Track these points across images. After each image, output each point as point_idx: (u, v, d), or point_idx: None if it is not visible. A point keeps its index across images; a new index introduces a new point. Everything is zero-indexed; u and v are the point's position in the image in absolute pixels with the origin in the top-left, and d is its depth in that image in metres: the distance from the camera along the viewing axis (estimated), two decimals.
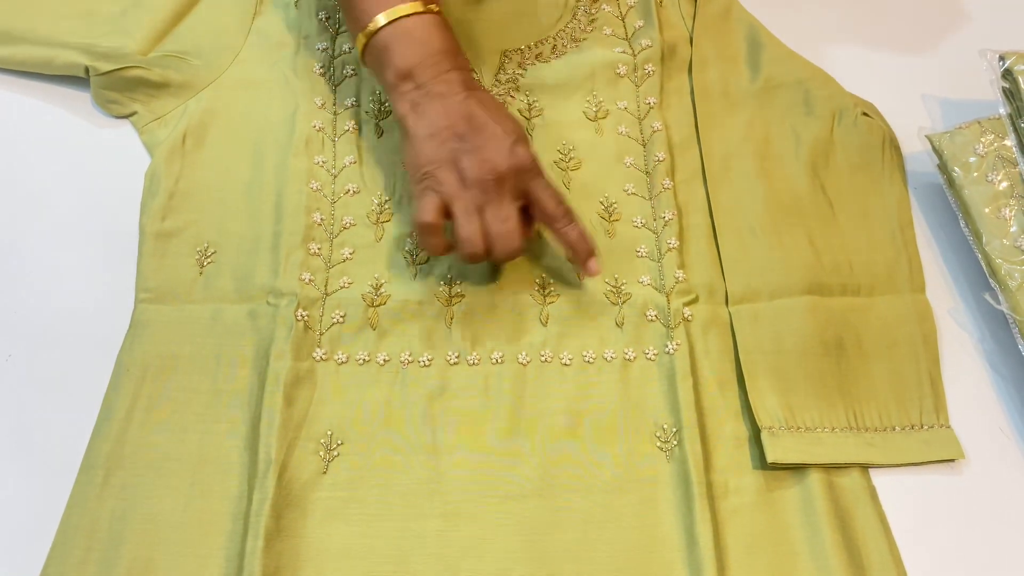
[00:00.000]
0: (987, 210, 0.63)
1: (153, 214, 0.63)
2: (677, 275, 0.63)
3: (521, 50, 0.71)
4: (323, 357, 0.58)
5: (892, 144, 0.69)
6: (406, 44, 0.59)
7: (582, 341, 0.61)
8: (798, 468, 0.57)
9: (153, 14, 0.69)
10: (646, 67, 0.71)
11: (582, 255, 0.59)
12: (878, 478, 0.58)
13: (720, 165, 0.68)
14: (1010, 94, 0.65)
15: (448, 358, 0.59)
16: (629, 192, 0.66)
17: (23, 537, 0.52)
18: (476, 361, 0.59)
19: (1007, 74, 0.66)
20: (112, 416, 0.56)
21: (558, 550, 0.54)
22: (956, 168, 0.65)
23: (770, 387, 0.59)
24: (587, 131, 0.68)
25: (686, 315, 0.61)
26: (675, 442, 0.57)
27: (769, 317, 0.62)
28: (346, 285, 0.61)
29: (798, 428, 0.58)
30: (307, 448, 0.56)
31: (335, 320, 0.59)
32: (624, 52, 0.72)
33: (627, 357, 0.60)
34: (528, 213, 0.59)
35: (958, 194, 0.65)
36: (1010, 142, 0.65)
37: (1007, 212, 0.63)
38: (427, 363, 0.59)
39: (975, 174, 0.64)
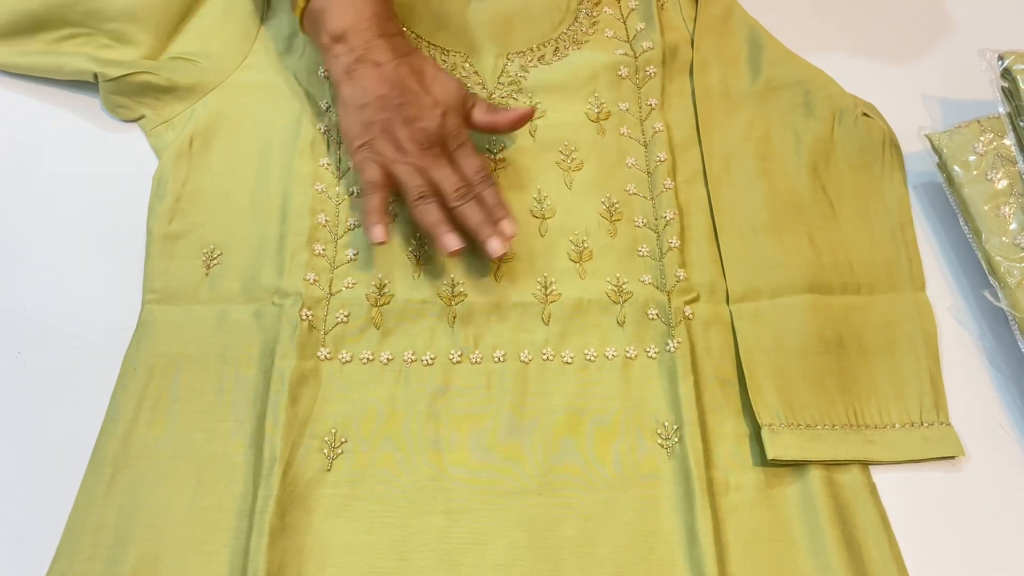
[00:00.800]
0: (986, 208, 0.64)
1: (160, 216, 0.63)
2: (678, 274, 0.63)
3: (523, 52, 0.72)
4: (327, 356, 0.59)
5: (892, 144, 0.69)
6: (340, 7, 0.62)
7: (584, 340, 0.61)
8: (798, 465, 0.57)
9: (160, 17, 0.69)
10: (648, 69, 0.72)
11: (479, 231, 0.60)
12: (878, 475, 0.58)
13: (721, 165, 0.68)
14: (1009, 93, 0.66)
15: (451, 357, 0.60)
16: (631, 192, 0.67)
17: (31, 534, 0.53)
18: (478, 360, 0.60)
19: (1006, 73, 0.66)
20: (119, 415, 0.57)
21: (560, 546, 0.54)
22: (956, 167, 0.65)
23: (770, 384, 0.59)
24: (589, 132, 0.69)
25: (687, 314, 0.62)
26: (676, 439, 0.58)
27: (770, 315, 0.62)
28: (350, 286, 0.61)
29: (798, 425, 0.58)
30: (311, 446, 0.56)
31: (339, 320, 0.60)
32: (626, 54, 0.73)
33: (628, 355, 0.61)
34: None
35: (957, 193, 0.65)
36: (1009, 141, 0.65)
37: (1006, 210, 0.63)
38: (430, 362, 0.60)
39: (974, 173, 0.65)
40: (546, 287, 0.63)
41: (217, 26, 0.71)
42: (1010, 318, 0.61)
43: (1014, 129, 0.65)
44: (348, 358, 0.59)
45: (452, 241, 0.59)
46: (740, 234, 0.65)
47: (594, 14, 0.75)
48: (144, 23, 0.68)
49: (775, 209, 0.66)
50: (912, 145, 0.69)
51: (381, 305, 0.61)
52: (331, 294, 0.61)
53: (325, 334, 0.60)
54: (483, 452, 0.57)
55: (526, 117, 0.64)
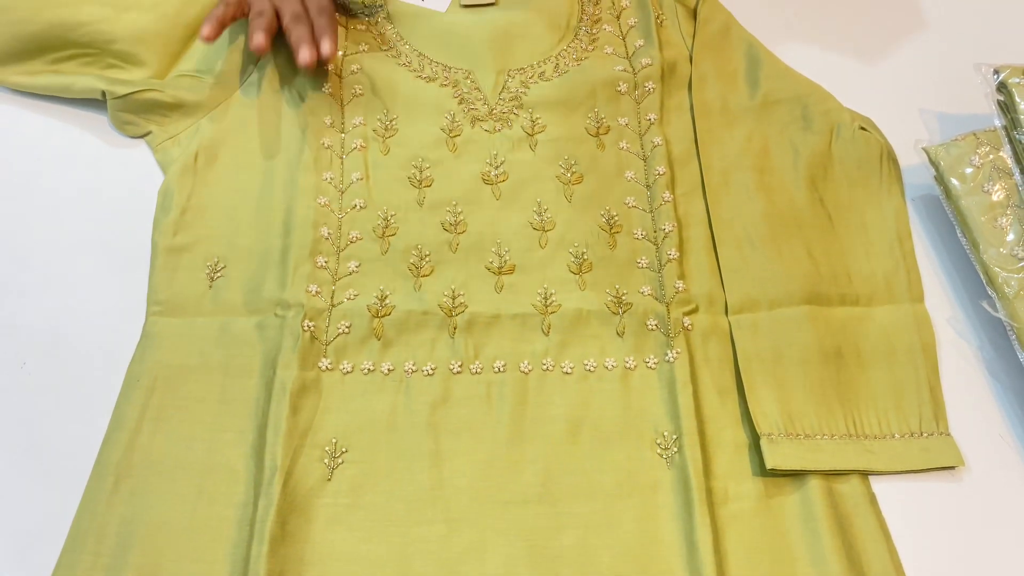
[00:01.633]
0: (983, 219, 0.64)
1: (165, 230, 0.64)
2: (677, 285, 0.64)
3: (523, 69, 0.73)
4: (329, 367, 0.60)
5: (890, 157, 0.70)
6: None
7: (583, 350, 0.62)
8: (797, 475, 0.57)
9: (167, 39, 0.71)
10: (646, 85, 0.73)
11: (298, 43, 0.67)
12: (878, 485, 0.58)
13: (719, 179, 0.69)
14: (1005, 106, 0.66)
15: (451, 367, 0.60)
16: (630, 205, 0.67)
17: (34, 541, 0.54)
18: (479, 370, 0.60)
19: (1001, 87, 0.67)
20: (122, 425, 0.57)
21: (559, 555, 0.54)
22: (953, 179, 0.66)
23: (769, 394, 0.59)
24: (589, 146, 0.70)
25: (686, 324, 0.62)
26: (675, 449, 0.58)
27: (768, 326, 0.62)
28: (352, 297, 0.62)
29: (797, 435, 0.58)
30: (312, 455, 0.57)
31: (341, 331, 0.61)
32: (625, 70, 0.74)
33: (628, 366, 0.61)
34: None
35: (955, 205, 0.66)
36: (1005, 153, 0.65)
37: (1003, 221, 0.64)
38: (430, 372, 0.60)
39: (971, 185, 0.65)
40: (546, 298, 0.63)
41: (222, 46, 0.72)
42: (1008, 328, 0.61)
43: (1010, 141, 0.65)
44: (349, 368, 0.60)
45: (256, 40, 0.66)
46: (738, 246, 0.66)
47: (593, 32, 0.76)
48: (151, 45, 0.70)
49: (773, 222, 0.67)
50: (909, 159, 0.70)
51: (382, 316, 0.62)
52: (333, 305, 0.62)
53: (327, 345, 0.60)
54: (483, 462, 0.57)
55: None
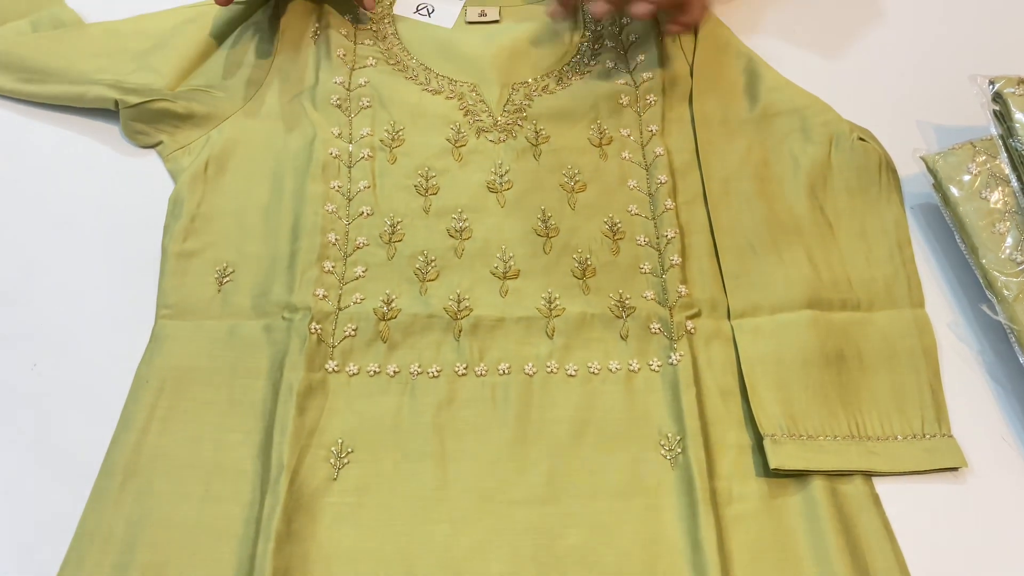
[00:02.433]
0: (982, 225, 0.65)
1: (175, 235, 0.65)
2: (680, 290, 0.65)
3: (527, 83, 0.75)
4: (335, 369, 0.60)
5: (889, 167, 0.71)
6: None
7: (587, 353, 0.62)
8: (801, 475, 0.58)
9: (179, 53, 0.73)
10: (648, 98, 0.74)
11: None
12: (881, 486, 0.58)
13: (720, 187, 0.70)
14: (1000, 116, 0.68)
15: (456, 369, 0.61)
16: (633, 213, 0.68)
17: (42, 540, 0.54)
18: (483, 372, 0.61)
19: (997, 97, 0.68)
20: (130, 426, 0.58)
21: (564, 555, 0.55)
22: (951, 186, 0.67)
23: (772, 396, 0.60)
24: (592, 156, 0.71)
25: (689, 328, 0.63)
26: (679, 450, 0.58)
27: (770, 330, 0.63)
28: (358, 301, 0.63)
29: (800, 436, 0.58)
30: (318, 455, 0.57)
31: (347, 333, 0.61)
32: (627, 83, 0.75)
33: (631, 369, 0.62)
34: None
35: (953, 211, 0.67)
36: (1002, 161, 0.66)
37: (1001, 227, 0.65)
38: (436, 374, 0.61)
39: (969, 192, 0.66)
40: (550, 302, 0.64)
41: (233, 62, 0.74)
42: (1008, 331, 0.61)
43: (1006, 149, 0.66)
44: (355, 371, 0.60)
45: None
46: (740, 252, 0.67)
47: (596, 47, 0.77)
48: (162, 62, 0.71)
49: (774, 229, 0.67)
50: (908, 169, 0.71)
51: (388, 319, 0.62)
52: (340, 309, 0.62)
53: (333, 347, 0.61)
54: (488, 463, 0.58)
55: None
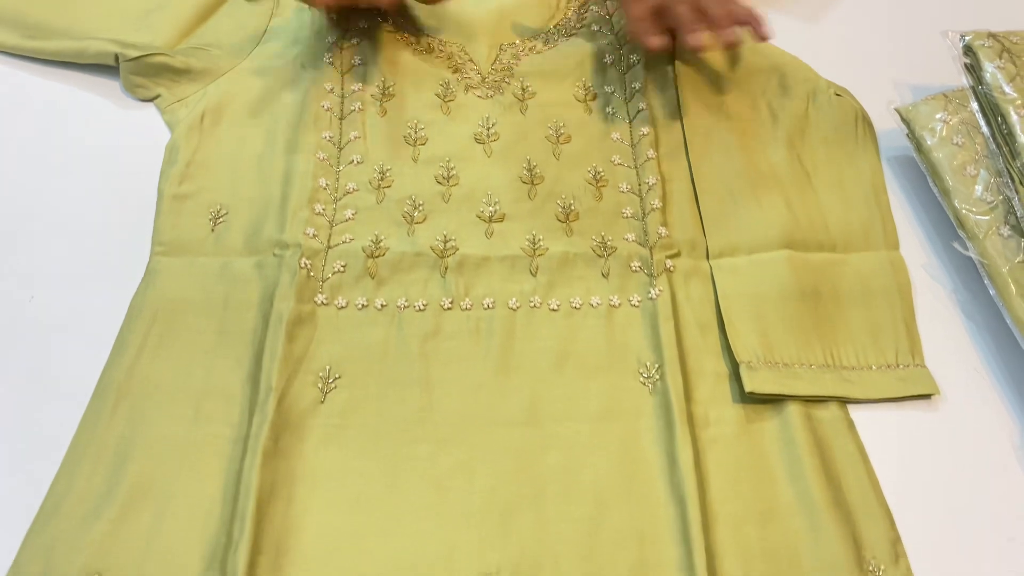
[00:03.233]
0: (954, 168, 0.67)
1: (171, 179, 0.67)
2: (660, 231, 0.66)
3: (515, 44, 0.77)
4: (324, 302, 0.62)
5: (864, 119, 0.73)
6: None
7: (569, 290, 0.64)
8: (777, 401, 0.59)
9: (178, 14, 0.75)
10: (631, 57, 0.76)
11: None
12: (856, 413, 0.60)
13: (702, 139, 0.72)
14: (971, 68, 0.70)
15: (442, 304, 0.63)
16: (616, 163, 0.70)
17: (37, 455, 0.55)
18: (468, 307, 0.63)
19: (968, 50, 0.70)
20: (124, 351, 0.59)
21: (544, 472, 0.56)
22: (924, 134, 0.69)
23: (748, 327, 0.61)
24: (577, 110, 0.73)
25: (668, 266, 0.65)
26: (657, 377, 0.60)
27: (748, 268, 0.65)
28: (347, 241, 0.65)
29: (776, 363, 0.60)
30: (306, 380, 0.59)
31: (336, 270, 0.63)
32: (611, 44, 0.78)
33: (612, 304, 0.63)
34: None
35: (927, 157, 0.69)
36: (973, 109, 0.69)
37: (972, 170, 0.67)
38: (422, 308, 0.62)
39: (942, 138, 0.68)
40: (534, 243, 0.66)
41: (230, 24, 0.76)
42: (979, 266, 0.63)
43: (977, 98, 0.68)
44: (344, 304, 0.62)
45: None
46: (719, 198, 0.69)
47: (582, 12, 0.80)
48: (162, 21, 0.74)
49: (753, 177, 0.69)
50: (884, 123, 0.73)
51: (377, 257, 0.64)
52: (329, 247, 0.64)
53: (323, 282, 0.63)
54: (471, 388, 0.59)
55: None
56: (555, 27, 0.79)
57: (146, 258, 0.64)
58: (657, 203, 0.68)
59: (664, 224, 0.67)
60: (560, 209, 0.68)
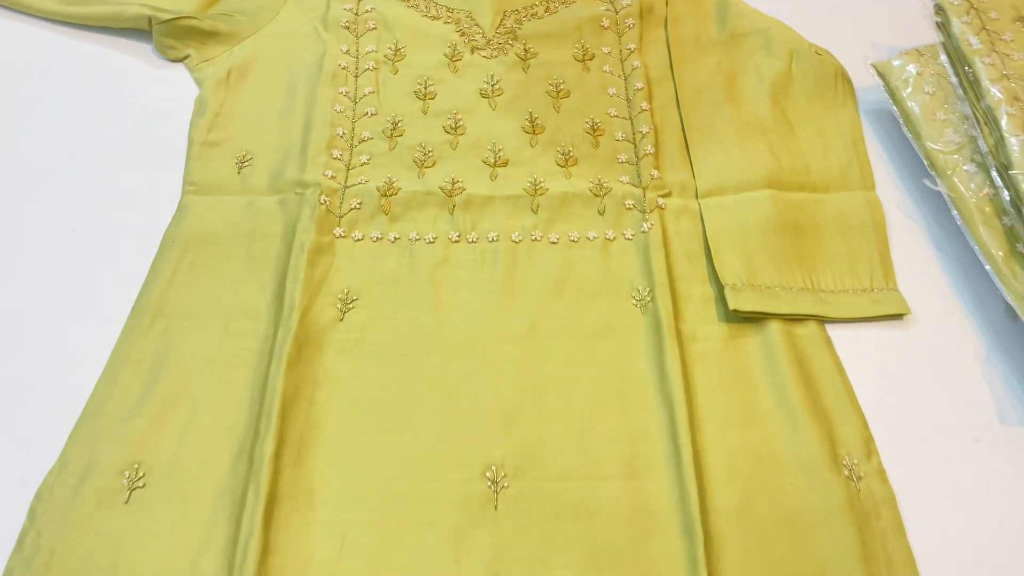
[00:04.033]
0: (926, 112, 0.72)
1: (200, 128, 0.73)
2: (652, 174, 0.72)
3: (518, 10, 0.83)
4: (342, 234, 0.67)
5: (844, 76, 0.78)
6: None
7: (568, 225, 0.69)
8: (759, 320, 0.64)
9: None
10: (627, 21, 0.82)
11: None
12: (834, 331, 0.64)
13: (693, 94, 0.77)
14: (941, 25, 0.75)
15: (450, 237, 0.68)
16: (612, 115, 0.76)
17: (77, 364, 0.61)
18: (475, 239, 0.68)
19: (938, 9, 0.75)
20: (158, 276, 0.65)
21: (544, 380, 0.61)
22: (898, 84, 0.74)
23: (733, 254, 0.67)
24: (576, 69, 0.79)
25: (660, 204, 0.70)
26: (648, 299, 0.65)
27: (734, 206, 0.70)
28: (363, 182, 0.70)
29: (758, 286, 0.65)
30: (326, 301, 0.64)
31: (353, 207, 0.69)
32: (608, 9, 0.83)
33: (608, 237, 0.68)
34: None
35: (901, 105, 0.74)
36: (943, 61, 0.74)
37: (941, 115, 0.72)
38: (432, 240, 0.68)
39: (914, 88, 0.74)
40: (535, 184, 0.71)
41: None
42: (947, 199, 0.68)
43: (946, 51, 0.74)
44: (360, 236, 0.67)
45: None
46: (708, 145, 0.74)
47: None
48: None
49: (740, 127, 0.75)
50: (862, 81, 0.78)
51: (390, 196, 0.70)
52: (346, 187, 0.70)
53: (340, 217, 0.68)
54: (477, 309, 0.64)
55: None
56: None
57: (177, 198, 0.70)
58: (650, 149, 0.73)
59: (656, 168, 0.72)
60: (560, 155, 0.73)
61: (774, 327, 0.63)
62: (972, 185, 0.68)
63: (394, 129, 0.74)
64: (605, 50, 0.80)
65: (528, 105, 0.76)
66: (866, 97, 0.78)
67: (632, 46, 0.80)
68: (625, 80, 0.78)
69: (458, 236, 0.68)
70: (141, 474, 0.56)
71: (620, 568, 0.54)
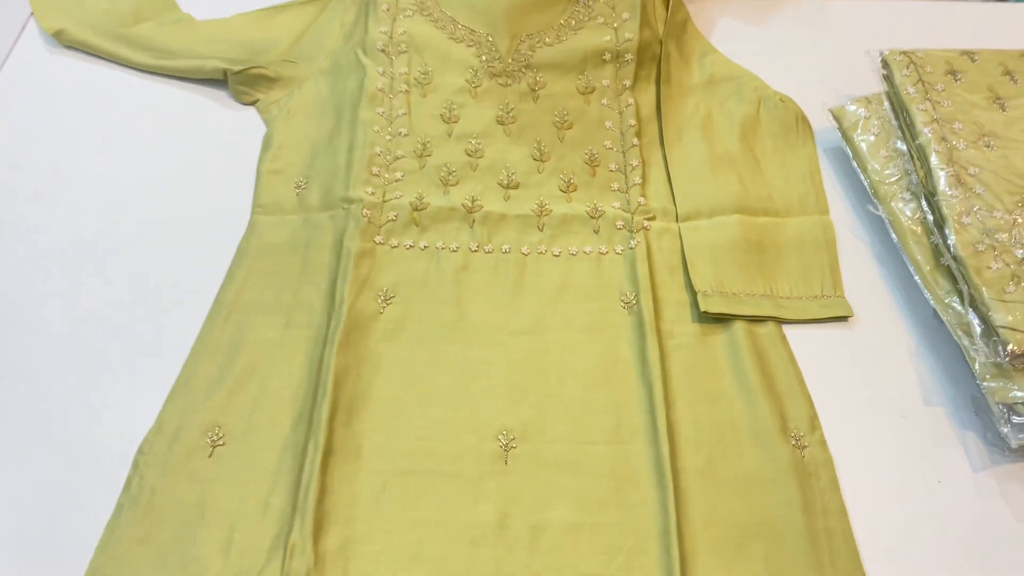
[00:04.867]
0: (871, 149, 0.86)
1: (266, 160, 0.88)
2: (640, 201, 0.85)
3: (532, 35, 0.94)
4: (381, 242, 0.81)
5: (804, 120, 0.92)
6: None
7: (568, 241, 0.83)
8: (726, 320, 0.77)
9: (274, 37, 0.96)
10: (626, 56, 0.94)
11: None
12: (789, 330, 0.77)
13: (675, 133, 0.91)
14: (886, 77, 0.89)
15: (470, 247, 0.82)
16: (607, 147, 0.90)
17: (175, 351, 0.75)
18: (491, 250, 0.82)
19: (884, 63, 0.89)
20: (233, 279, 0.79)
21: (546, 364, 0.74)
22: (849, 126, 0.88)
23: (706, 267, 0.80)
24: (578, 101, 0.92)
25: (645, 225, 0.84)
26: (634, 302, 0.78)
27: (707, 228, 0.83)
28: (398, 197, 0.84)
29: (726, 293, 0.78)
30: (369, 296, 0.78)
31: (390, 219, 0.83)
32: (610, 41, 0.94)
33: (601, 252, 0.82)
34: None
35: (851, 143, 0.88)
36: (886, 107, 0.88)
37: (885, 152, 0.85)
38: (455, 249, 0.82)
39: (863, 130, 0.87)
40: (541, 206, 0.85)
41: (313, 42, 0.97)
42: (886, 222, 0.82)
43: (889, 99, 0.88)
44: (396, 244, 0.81)
45: None
46: (687, 177, 0.87)
47: (590, 3, 0.95)
48: (268, 40, 0.96)
49: (714, 162, 0.88)
50: (820, 123, 0.92)
51: (420, 210, 0.84)
52: (384, 201, 0.84)
53: (380, 228, 0.82)
54: (491, 308, 0.78)
55: None
56: (566, 18, 0.94)
57: (247, 217, 0.84)
58: (638, 180, 0.87)
59: (643, 195, 0.86)
60: (563, 182, 0.87)
61: (738, 326, 0.76)
62: (907, 210, 0.81)
63: (423, 149, 0.88)
64: (604, 83, 0.93)
65: (537, 134, 0.89)
66: (823, 136, 0.92)
67: (627, 82, 0.93)
68: (620, 115, 0.91)
69: (476, 247, 0.82)
70: (221, 435, 0.70)
71: (605, 512, 0.67)
